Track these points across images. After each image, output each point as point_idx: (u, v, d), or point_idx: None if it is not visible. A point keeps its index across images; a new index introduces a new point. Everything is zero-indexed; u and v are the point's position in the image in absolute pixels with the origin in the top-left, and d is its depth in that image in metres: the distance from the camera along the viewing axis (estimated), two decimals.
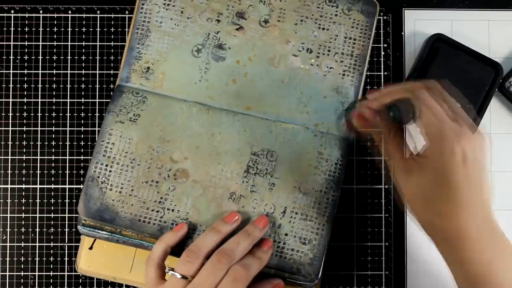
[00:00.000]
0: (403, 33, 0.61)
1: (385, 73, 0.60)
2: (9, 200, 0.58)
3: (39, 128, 0.59)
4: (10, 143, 0.59)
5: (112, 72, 0.60)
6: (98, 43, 0.60)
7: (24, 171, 0.59)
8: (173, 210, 0.53)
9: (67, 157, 0.59)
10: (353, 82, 0.56)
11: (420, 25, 0.61)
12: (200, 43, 0.56)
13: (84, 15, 0.60)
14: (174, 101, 0.55)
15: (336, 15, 0.56)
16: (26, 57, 0.59)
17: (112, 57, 0.60)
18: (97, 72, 0.60)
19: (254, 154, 0.54)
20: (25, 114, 0.59)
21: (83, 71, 0.60)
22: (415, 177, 0.47)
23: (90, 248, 0.57)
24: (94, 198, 0.53)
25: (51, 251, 0.58)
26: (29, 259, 0.58)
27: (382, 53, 0.61)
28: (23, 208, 0.58)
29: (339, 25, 0.57)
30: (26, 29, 0.60)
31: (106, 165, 0.53)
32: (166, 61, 0.56)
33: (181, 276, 0.48)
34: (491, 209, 0.47)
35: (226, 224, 0.52)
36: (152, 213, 0.53)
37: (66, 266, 0.58)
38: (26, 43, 0.60)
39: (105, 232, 0.54)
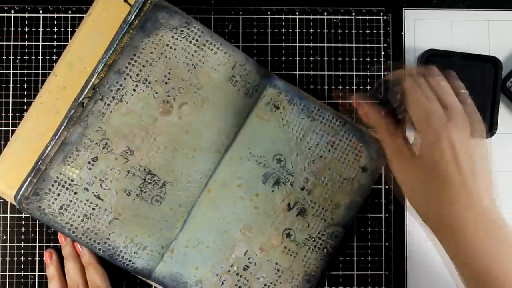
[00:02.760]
0: (403, 33, 0.61)
1: (385, 73, 0.60)
2: (9, 200, 0.58)
3: None
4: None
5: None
6: None
7: None
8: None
9: None
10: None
11: (420, 25, 0.61)
12: (284, 165, 0.56)
13: (84, 15, 0.60)
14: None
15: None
16: (26, 57, 0.59)
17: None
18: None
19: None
20: (25, 114, 0.59)
21: None
22: (409, 167, 0.47)
23: None
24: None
25: None
26: (29, 259, 0.58)
27: (382, 53, 0.61)
28: None
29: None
30: (26, 29, 0.60)
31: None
32: (279, 127, 0.56)
33: None
34: (491, 199, 0.46)
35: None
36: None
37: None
38: (26, 43, 0.60)
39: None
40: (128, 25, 0.53)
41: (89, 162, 0.53)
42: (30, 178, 0.52)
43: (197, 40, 0.54)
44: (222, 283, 0.55)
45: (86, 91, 0.53)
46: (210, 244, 0.55)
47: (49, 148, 0.53)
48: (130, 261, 0.54)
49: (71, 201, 0.53)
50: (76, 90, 0.54)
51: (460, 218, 0.44)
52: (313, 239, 0.56)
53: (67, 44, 0.59)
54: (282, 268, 0.55)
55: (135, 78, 0.53)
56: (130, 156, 0.54)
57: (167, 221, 0.54)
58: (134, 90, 0.53)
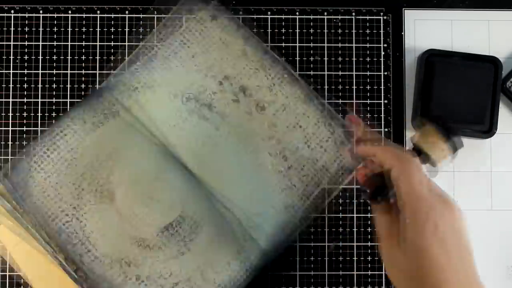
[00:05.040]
0: (403, 33, 0.61)
1: (385, 73, 0.60)
2: None
3: (39, 128, 0.59)
4: (10, 143, 0.59)
5: (112, 72, 0.60)
6: (98, 43, 0.60)
7: None
8: (81, 222, 0.53)
9: None
10: (304, 208, 0.55)
11: (420, 25, 0.61)
12: (193, 94, 0.55)
13: (84, 15, 0.60)
14: (142, 129, 0.55)
15: (327, 140, 0.56)
16: (26, 57, 0.59)
17: (112, 57, 0.60)
18: (97, 72, 0.60)
19: (181, 217, 0.53)
20: (25, 114, 0.59)
21: (83, 71, 0.60)
22: (398, 253, 0.45)
23: None
24: (20, 169, 0.53)
25: None
26: None
27: (382, 53, 0.61)
28: None
29: (324, 152, 0.56)
30: (26, 29, 0.60)
31: (47, 149, 0.53)
32: (155, 92, 0.55)
33: None
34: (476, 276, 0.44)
35: None
36: (61, 214, 0.53)
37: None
38: (26, 43, 0.60)
39: (9, 205, 0.53)
40: (15, 211, 0.53)
41: (139, 284, 0.53)
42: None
43: (48, 149, 0.54)
44: (294, 185, 0.55)
45: (69, 269, 0.53)
46: (252, 187, 0.55)
47: None
48: (246, 270, 0.54)
49: None
50: None
51: None
52: (272, 84, 0.56)
53: (67, 44, 0.59)
54: (293, 122, 0.55)
55: (69, 218, 0.53)
56: (145, 242, 0.53)
57: (219, 224, 0.54)
58: (81, 222, 0.53)
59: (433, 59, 0.58)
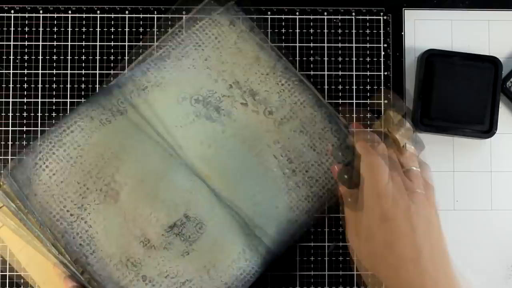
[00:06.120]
0: (403, 33, 0.61)
1: (385, 73, 0.60)
2: None
3: (39, 128, 0.59)
4: (10, 143, 0.59)
5: (112, 72, 0.60)
6: (98, 43, 0.60)
7: None
8: (85, 222, 0.53)
9: None
10: (308, 209, 0.56)
11: (420, 25, 0.61)
12: (203, 96, 0.55)
13: (84, 15, 0.60)
14: (149, 128, 0.55)
15: (333, 145, 0.56)
16: (26, 57, 0.59)
17: (112, 57, 0.60)
18: (97, 72, 0.60)
19: (186, 217, 0.53)
20: (25, 114, 0.59)
21: (83, 71, 0.60)
22: (363, 235, 0.51)
23: None
24: (25, 167, 0.53)
25: None
26: None
27: (382, 53, 0.61)
28: None
29: (330, 157, 0.56)
30: (26, 29, 0.60)
31: (53, 146, 0.53)
32: (164, 92, 0.55)
33: None
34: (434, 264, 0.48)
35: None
36: (66, 214, 0.53)
37: None
38: (26, 43, 0.60)
39: (14, 205, 0.53)
40: (20, 212, 0.53)
41: (146, 284, 0.53)
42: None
43: (53, 147, 0.54)
44: (299, 187, 0.55)
45: (75, 270, 0.53)
46: (257, 189, 0.55)
47: None
48: (252, 268, 0.54)
49: None
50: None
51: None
52: (282, 90, 0.57)
53: (67, 44, 0.60)
54: (300, 127, 0.56)
55: (73, 217, 0.53)
56: (150, 242, 0.53)
57: (224, 223, 0.54)
58: (85, 222, 0.53)
59: (433, 59, 0.58)
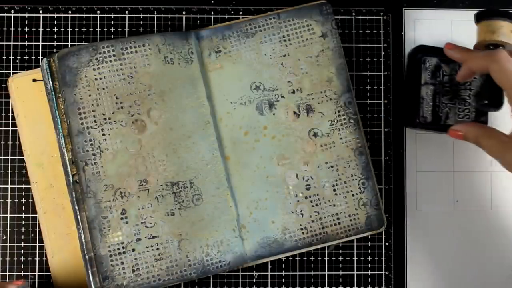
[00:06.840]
0: (403, 33, 0.61)
1: (385, 73, 0.60)
2: (9, 200, 0.58)
3: None
4: (10, 143, 0.59)
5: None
6: None
7: (24, 171, 0.58)
8: (103, 135, 0.54)
9: None
10: (298, 239, 0.56)
11: (420, 25, 0.61)
12: (264, 87, 0.57)
13: (84, 15, 0.60)
14: (201, 88, 0.56)
15: (353, 195, 0.56)
16: (26, 57, 0.60)
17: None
18: None
19: (191, 183, 0.55)
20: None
21: None
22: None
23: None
24: (79, 57, 0.54)
25: None
26: (29, 259, 0.58)
27: (382, 53, 0.61)
28: (23, 208, 0.58)
29: (345, 204, 0.56)
30: (26, 29, 0.60)
31: (114, 55, 0.55)
32: (233, 66, 0.57)
33: None
34: None
35: (12, 286, 0.52)
36: (91, 118, 0.54)
37: None
38: (26, 43, 0.60)
39: (52, 84, 0.54)
40: (53, 93, 0.54)
41: (121, 218, 0.54)
42: (89, 271, 0.53)
43: (114, 55, 0.55)
44: (302, 214, 0.56)
45: (69, 170, 0.54)
46: (266, 195, 0.56)
47: (82, 237, 0.53)
48: (220, 261, 0.54)
49: (135, 258, 0.53)
50: (62, 179, 0.55)
51: None
52: (335, 120, 0.57)
53: (67, 44, 0.60)
54: (333, 162, 0.56)
55: (96, 125, 0.54)
56: (147, 185, 0.54)
57: (219, 208, 0.55)
58: (103, 135, 0.54)
59: (422, 56, 0.57)
